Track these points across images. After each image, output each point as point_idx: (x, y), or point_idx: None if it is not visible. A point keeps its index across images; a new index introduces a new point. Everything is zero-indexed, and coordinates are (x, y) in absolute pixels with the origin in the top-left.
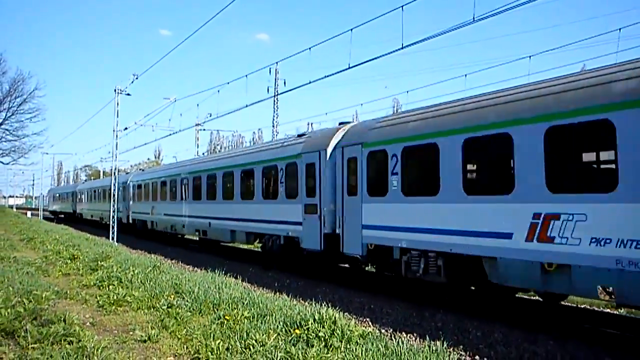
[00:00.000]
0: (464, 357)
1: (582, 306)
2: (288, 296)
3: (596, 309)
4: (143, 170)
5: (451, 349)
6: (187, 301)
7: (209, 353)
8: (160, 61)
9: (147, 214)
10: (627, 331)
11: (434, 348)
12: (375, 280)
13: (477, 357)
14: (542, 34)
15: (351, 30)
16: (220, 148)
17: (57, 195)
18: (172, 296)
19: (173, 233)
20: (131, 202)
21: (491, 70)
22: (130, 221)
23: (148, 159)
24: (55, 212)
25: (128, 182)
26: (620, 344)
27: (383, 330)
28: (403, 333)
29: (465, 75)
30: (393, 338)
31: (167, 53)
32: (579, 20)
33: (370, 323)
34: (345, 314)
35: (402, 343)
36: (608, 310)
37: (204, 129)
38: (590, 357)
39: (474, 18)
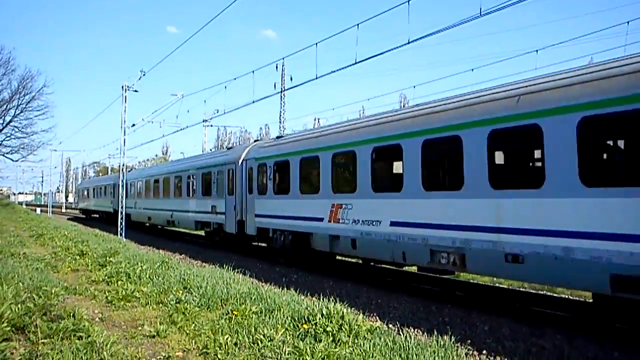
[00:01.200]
0: (471, 352)
1: (590, 301)
2: (295, 291)
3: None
4: (277, 137)
5: (459, 343)
6: (195, 296)
7: (217, 348)
8: (167, 58)
9: (317, 219)
10: (635, 326)
11: (441, 343)
12: (381, 275)
13: (484, 351)
14: (550, 28)
15: (357, 25)
16: (228, 144)
17: (91, 189)
18: (181, 291)
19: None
20: (255, 198)
21: (498, 65)
22: (250, 232)
23: (156, 155)
24: (88, 211)
25: (240, 161)
26: (628, 338)
27: (390, 325)
28: (411, 328)
29: (473, 70)
30: (400, 333)
31: (174, 50)
32: (586, 13)
33: (377, 318)
34: (353, 308)
35: (410, 338)
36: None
37: (211, 125)
38: (598, 351)
39: (480, 12)
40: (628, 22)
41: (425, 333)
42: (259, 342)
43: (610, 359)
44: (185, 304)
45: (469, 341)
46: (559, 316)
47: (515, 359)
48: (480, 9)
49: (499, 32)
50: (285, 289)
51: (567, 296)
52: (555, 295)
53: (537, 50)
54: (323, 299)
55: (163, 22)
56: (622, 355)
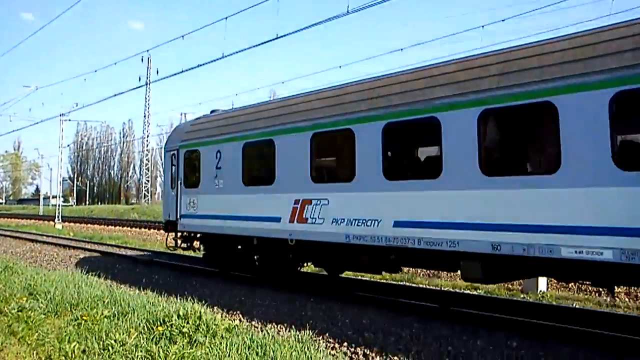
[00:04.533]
0: (332, 344)
1: (446, 289)
2: (155, 292)
3: (454, 289)
4: None
5: (321, 337)
6: (41, 303)
7: (63, 357)
8: (20, 46)
9: None
10: (485, 309)
11: (299, 337)
12: (247, 272)
13: (345, 343)
14: (414, 26)
15: (226, 18)
16: (88, 139)
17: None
18: (25, 298)
19: None
20: None
21: (368, 62)
22: None
23: (6, 151)
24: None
25: None
26: (480, 322)
27: (254, 322)
28: (274, 324)
29: (340, 67)
30: (263, 330)
31: (26, 38)
32: (447, 15)
33: (240, 316)
34: (216, 307)
35: (268, 334)
36: (468, 291)
37: (70, 120)
38: (450, 334)
39: (348, 10)
40: (483, 27)
41: (288, 328)
42: (110, 347)
43: (461, 339)
44: (29, 312)
45: (329, 334)
46: (418, 305)
47: (374, 348)
48: (348, 6)
49: (367, 30)
50: (144, 290)
51: (424, 286)
52: (414, 285)
53: (402, 49)
54: (182, 300)
55: (17, 7)
56: (469, 336)
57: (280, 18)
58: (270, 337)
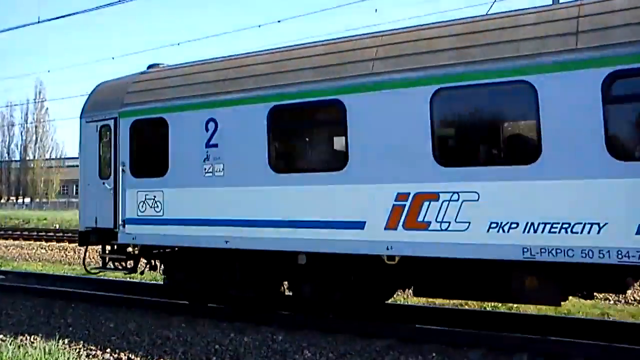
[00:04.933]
0: (94, 351)
1: None
2: None
3: None
4: None
5: (81, 344)
6: None
7: None
8: None
9: None
10: (256, 307)
11: (47, 349)
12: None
13: (108, 350)
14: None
15: None
16: None
17: None
18: None
19: None
20: None
21: (142, 54)
22: None
23: None
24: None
25: None
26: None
27: (2, 335)
28: (26, 335)
29: (113, 58)
30: (12, 343)
31: None
32: (226, 14)
33: None
34: None
35: (8, 348)
36: None
37: None
38: (222, 331)
39: None
40: (259, 26)
41: (43, 339)
42: None
43: (228, 336)
44: None
45: (92, 341)
46: (184, 306)
47: (139, 352)
48: None
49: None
50: None
51: None
52: None
53: (179, 43)
54: None
55: None
56: (236, 333)
57: (45, 3)
58: (10, 351)
